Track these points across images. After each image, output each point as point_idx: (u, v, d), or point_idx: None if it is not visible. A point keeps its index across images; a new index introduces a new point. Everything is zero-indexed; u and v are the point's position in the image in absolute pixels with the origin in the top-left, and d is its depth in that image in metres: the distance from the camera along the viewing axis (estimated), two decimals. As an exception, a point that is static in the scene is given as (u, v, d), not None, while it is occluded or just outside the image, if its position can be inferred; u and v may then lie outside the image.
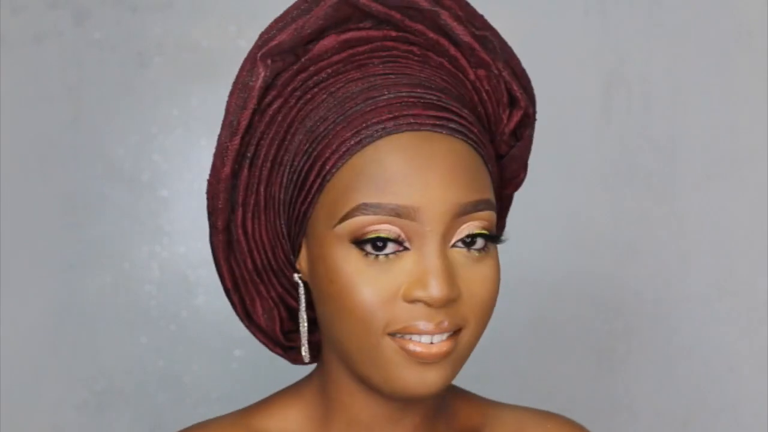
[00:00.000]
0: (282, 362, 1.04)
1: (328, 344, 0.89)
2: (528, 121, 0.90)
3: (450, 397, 0.96)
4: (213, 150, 0.91)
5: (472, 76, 0.88)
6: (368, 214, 0.80)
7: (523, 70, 0.90)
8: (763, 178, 1.66)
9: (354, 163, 0.82)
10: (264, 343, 0.98)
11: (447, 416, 0.94)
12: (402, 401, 0.88)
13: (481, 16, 0.89)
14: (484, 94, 0.89)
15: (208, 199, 0.90)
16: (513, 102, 0.89)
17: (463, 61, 0.88)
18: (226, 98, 0.89)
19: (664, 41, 1.68)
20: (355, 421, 0.90)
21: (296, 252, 0.88)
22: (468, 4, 0.89)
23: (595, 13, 1.67)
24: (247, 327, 0.97)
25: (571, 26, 1.67)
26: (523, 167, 0.92)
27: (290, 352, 0.96)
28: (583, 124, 1.68)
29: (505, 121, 0.90)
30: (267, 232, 0.90)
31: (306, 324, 0.90)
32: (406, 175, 0.80)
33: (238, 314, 0.96)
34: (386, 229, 0.80)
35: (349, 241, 0.81)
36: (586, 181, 1.68)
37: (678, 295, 1.68)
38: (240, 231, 0.90)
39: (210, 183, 0.90)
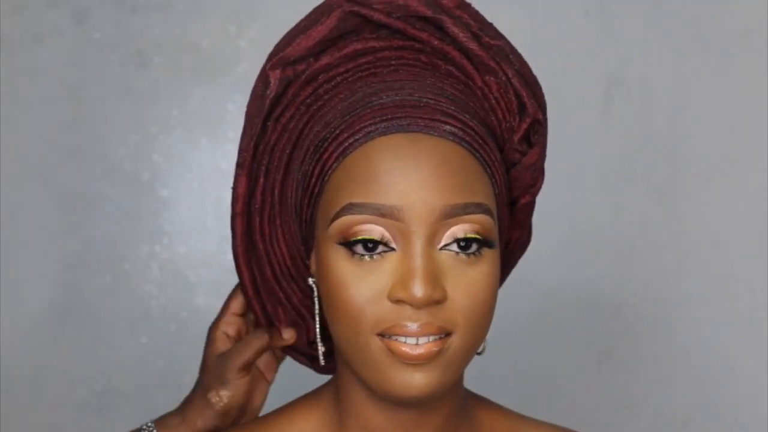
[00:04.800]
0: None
1: (337, 348, 0.90)
2: (539, 128, 0.90)
3: (474, 407, 0.95)
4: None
5: (479, 83, 0.89)
6: (354, 214, 0.82)
7: (534, 78, 0.91)
8: (763, 179, 1.66)
9: (346, 165, 0.83)
10: (287, 353, 0.99)
11: (469, 427, 0.94)
12: (402, 406, 0.87)
13: (491, 25, 0.90)
14: (493, 101, 0.89)
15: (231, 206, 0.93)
16: (522, 109, 0.90)
17: (470, 68, 0.88)
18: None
19: (664, 41, 1.68)
20: (368, 429, 0.90)
21: (310, 256, 0.90)
22: (477, 13, 0.90)
23: (595, 13, 1.67)
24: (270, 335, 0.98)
25: (571, 26, 1.67)
26: (540, 175, 0.92)
27: (316, 362, 0.96)
28: (583, 124, 1.68)
29: (515, 128, 0.90)
30: (284, 237, 0.92)
31: (319, 327, 0.91)
32: (391, 175, 0.81)
33: (259, 322, 0.97)
34: (371, 229, 0.81)
35: (338, 242, 0.82)
36: (586, 181, 1.68)
37: (678, 295, 1.68)
38: (258, 236, 0.92)
39: (232, 190, 0.92)
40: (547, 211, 1.60)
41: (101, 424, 1.65)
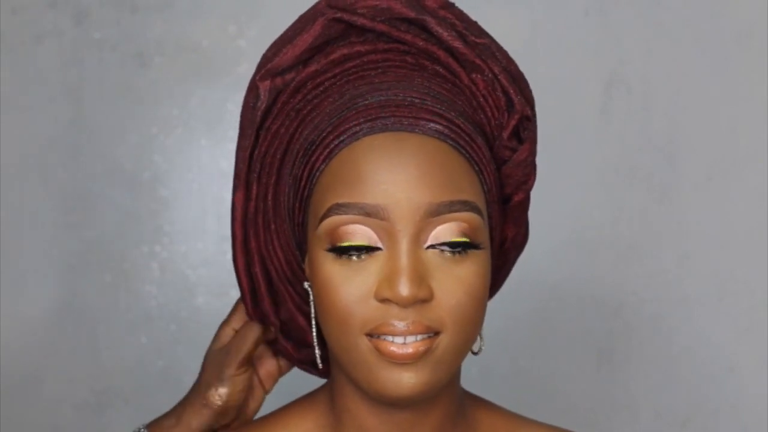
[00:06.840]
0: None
1: (329, 350, 0.90)
2: (528, 124, 0.90)
3: (471, 407, 0.95)
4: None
5: (466, 81, 0.89)
6: (340, 214, 0.82)
7: (521, 73, 0.91)
8: (763, 179, 1.66)
9: (333, 166, 0.84)
10: (294, 363, 1.00)
11: (467, 428, 0.93)
12: (395, 406, 0.87)
13: (476, 23, 0.90)
14: (480, 99, 0.89)
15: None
16: (510, 105, 0.90)
17: (456, 67, 0.88)
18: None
19: (664, 41, 1.68)
20: (363, 430, 0.90)
21: (305, 259, 0.90)
22: (462, 12, 0.90)
23: (595, 13, 1.67)
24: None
25: (571, 26, 1.68)
26: (532, 171, 0.92)
27: (317, 367, 0.96)
28: (583, 124, 1.68)
29: (504, 125, 0.90)
30: (280, 242, 0.92)
31: (315, 330, 0.91)
32: (376, 174, 0.82)
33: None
34: (357, 230, 0.82)
35: (326, 249, 0.83)
36: (586, 181, 1.68)
37: (678, 295, 1.68)
38: (253, 242, 0.93)
39: (231, 200, 0.93)
40: (548, 211, 1.60)
41: (101, 424, 1.65)
